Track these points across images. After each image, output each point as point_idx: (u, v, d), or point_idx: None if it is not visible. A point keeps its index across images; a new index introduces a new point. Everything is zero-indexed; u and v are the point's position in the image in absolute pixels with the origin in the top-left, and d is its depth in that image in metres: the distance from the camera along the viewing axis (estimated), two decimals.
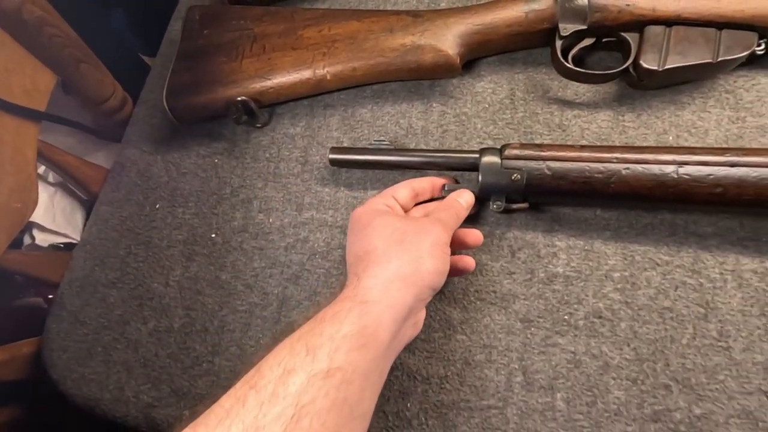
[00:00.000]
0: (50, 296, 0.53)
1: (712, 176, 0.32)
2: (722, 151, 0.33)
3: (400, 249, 0.30)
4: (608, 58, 0.43)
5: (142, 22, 0.70)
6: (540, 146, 0.36)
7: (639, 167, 0.34)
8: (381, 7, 0.47)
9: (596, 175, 0.34)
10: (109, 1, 0.65)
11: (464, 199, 0.36)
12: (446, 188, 0.37)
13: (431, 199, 0.38)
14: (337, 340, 0.25)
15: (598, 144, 0.39)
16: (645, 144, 0.39)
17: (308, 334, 0.26)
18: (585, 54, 0.43)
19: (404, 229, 0.31)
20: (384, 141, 0.40)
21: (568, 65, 0.39)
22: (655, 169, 0.33)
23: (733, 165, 0.32)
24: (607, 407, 0.33)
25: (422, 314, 0.33)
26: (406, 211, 0.36)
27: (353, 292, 0.29)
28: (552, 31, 0.40)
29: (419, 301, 0.30)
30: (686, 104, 0.40)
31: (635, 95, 0.41)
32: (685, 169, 0.33)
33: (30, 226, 0.46)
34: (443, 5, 0.46)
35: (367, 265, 0.30)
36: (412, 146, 0.42)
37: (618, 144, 0.40)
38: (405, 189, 0.36)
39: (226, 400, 0.23)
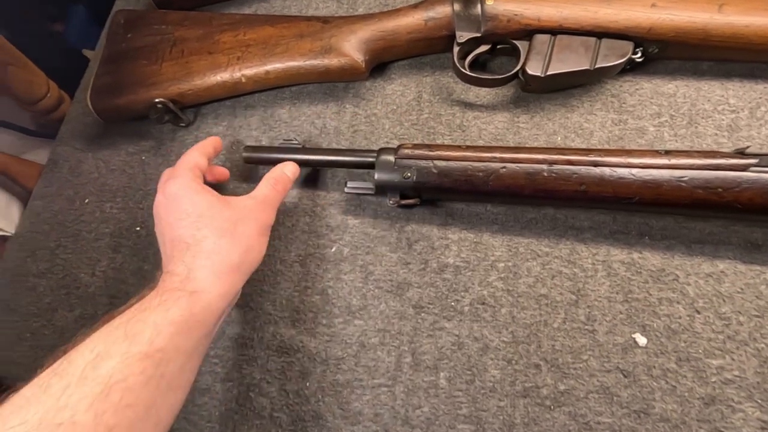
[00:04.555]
0: None
1: (576, 175, 0.36)
2: (587, 151, 0.36)
3: (231, 239, 0.31)
4: (509, 64, 0.45)
5: (105, 16, 0.72)
6: (430, 146, 0.39)
7: (514, 166, 0.37)
8: (303, 12, 0.50)
9: (477, 173, 0.37)
10: None
11: (290, 170, 0.39)
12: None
13: None
14: (161, 326, 0.26)
15: (481, 145, 0.42)
16: (536, 144, 0.43)
17: (129, 321, 0.26)
18: (488, 59, 0.46)
19: (234, 219, 0.32)
20: (293, 140, 0.42)
21: (463, 70, 0.42)
22: (528, 167, 0.36)
23: (595, 165, 0.35)
24: (484, 384, 0.37)
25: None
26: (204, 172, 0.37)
27: (183, 282, 0.29)
28: (451, 38, 0.42)
29: (243, 283, 0.33)
30: (575, 107, 0.43)
31: (530, 98, 0.44)
32: (553, 168, 0.36)
33: None
34: (361, 11, 0.49)
35: (197, 255, 0.30)
36: (324, 145, 0.45)
37: (512, 145, 0.43)
38: (203, 157, 0.37)
39: (28, 389, 0.23)
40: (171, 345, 0.26)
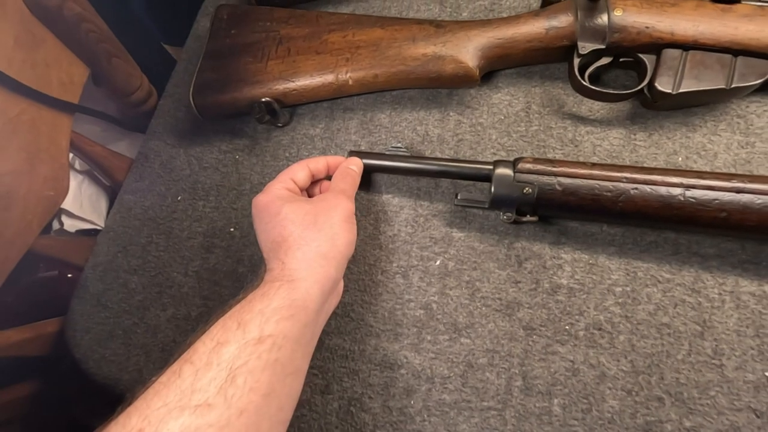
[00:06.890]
0: (69, 275, 0.55)
1: (717, 201, 0.34)
2: (729, 176, 0.34)
3: (314, 230, 0.33)
4: (624, 76, 0.44)
5: (163, 8, 0.71)
6: (552, 161, 0.37)
7: (647, 188, 0.35)
8: (404, 14, 0.48)
9: (605, 194, 0.35)
10: None
11: (356, 165, 0.40)
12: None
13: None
14: (267, 313, 0.28)
15: (609, 163, 0.40)
16: (655, 164, 0.41)
17: (239, 311, 0.28)
18: (601, 71, 0.44)
19: (314, 211, 0.34)
20: (401, 147, 0.41)
21: (584, 83, 0.40)
22: (663, 190, 0.35)
23: (738, 191, 0.33)
24: (602, 415, 0.35)
25: (341, 283, 0.36)
26: (302, 190, 0.39)
27: (280, 273, 0.31)
28: (571, 49, 0.41)
29: (339, 272, 0.34)
30: (698, 127, 0.41)
31: (648, 115, 0.42)
32: (691, 193, 0.34)
33: (59, 212, 0.48)
34: (465, 15, 0.47)
35: (288, 249, 0.32)
36: (427, 153, 0.44)
37: (628, 163, 0.41)
38: (303, 171, 0.38)
39: (164, 376, 0.25)
40: (278, 331, 0.28)
